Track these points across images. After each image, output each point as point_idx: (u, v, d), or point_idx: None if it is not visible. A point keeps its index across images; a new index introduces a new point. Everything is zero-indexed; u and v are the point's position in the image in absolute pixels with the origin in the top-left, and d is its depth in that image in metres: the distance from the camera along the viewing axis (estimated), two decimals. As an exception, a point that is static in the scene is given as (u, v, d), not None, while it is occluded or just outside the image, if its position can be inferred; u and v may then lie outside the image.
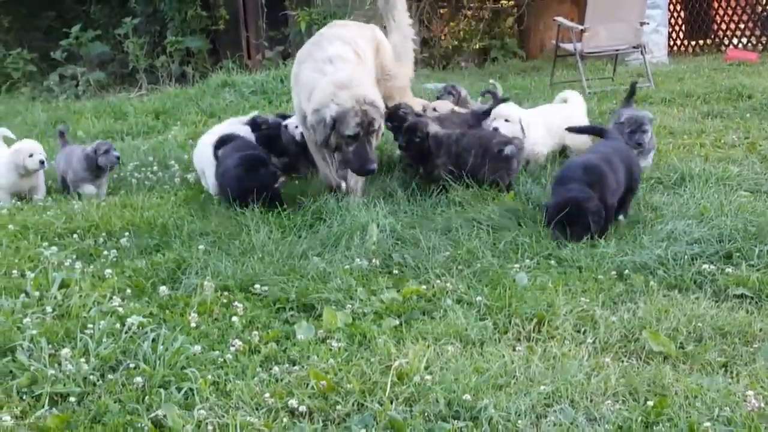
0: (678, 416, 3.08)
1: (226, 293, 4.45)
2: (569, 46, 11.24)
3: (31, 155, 6.78)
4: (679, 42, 15.98)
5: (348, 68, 5.92)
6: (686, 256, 4.63)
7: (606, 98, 9.96)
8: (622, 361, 3.59)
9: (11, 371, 3.59)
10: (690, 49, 15.70)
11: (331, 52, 6.02)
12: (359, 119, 5.63)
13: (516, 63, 15.01)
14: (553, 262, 4.75)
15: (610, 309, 4.13)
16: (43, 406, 3.33)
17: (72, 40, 14.30)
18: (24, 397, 3.42)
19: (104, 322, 3.98)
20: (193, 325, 4.05)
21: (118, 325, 3.97)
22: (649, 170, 6.37)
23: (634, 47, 11.24)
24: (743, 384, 3.36)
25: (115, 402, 3.33)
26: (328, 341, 3.91)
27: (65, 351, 3.66)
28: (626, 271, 4.55)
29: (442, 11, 15.64)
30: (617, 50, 11.33)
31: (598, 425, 3.07)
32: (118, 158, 6.93)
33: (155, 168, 7.71)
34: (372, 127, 5.71)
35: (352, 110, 5.62)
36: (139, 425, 3.15)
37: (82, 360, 3.62)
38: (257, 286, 4.51)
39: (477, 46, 15.50)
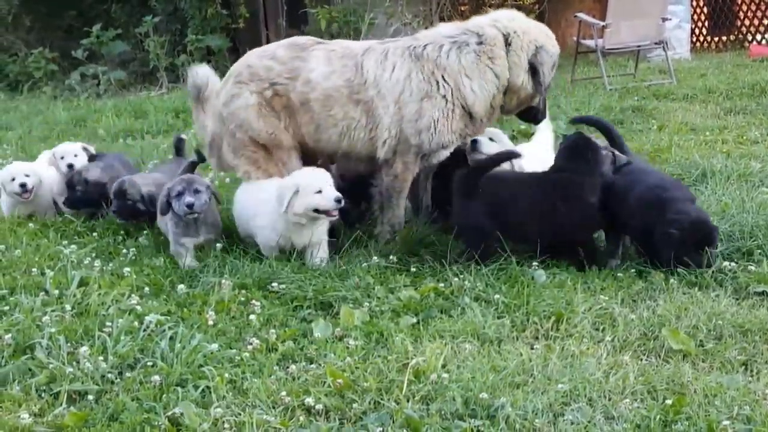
0: (697, 415, 3.04)
1: (243, 291, 4.44)
2: (590, 43, 11.19)
3: (62, 157, 6.25)
4: (701, 38, 15.82)
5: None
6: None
7: (628, 94, 9.88)
8: (641, 360, 3.56)
9: (30, 369, 3.62)
10: (713, 45, 15.55)
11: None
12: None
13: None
14: (571, 259, 4.71)
15: (629, 307, 4.09)
16: (61, 404, 3.35)
17: (93, 39, 14.40)
18: (42, 395, 3.44)
19: (122, 320, 4.00)
20: (210, 323, 4.06)
21: (136, 323, 3.99)
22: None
23: (656, 43, 11.17)
24: (763, 382, 3.32)
25: (132, 400, 3.33)
26: (345, 339, 3.90)
27: (83, 349, 3.68)
28: (646, 269, 4.51)
29: (462, 7, 15.58)
30: (639, 46, 11.26)
31: (616, 424, 3.04)
32: (190, 206, 4.96)
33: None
34: None
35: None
36: (156, 423, 3.15)
37: (101, 358, 3.63)
38: (275, 284, 4.50)
39: (497, 43, 15.42)
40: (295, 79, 5.19)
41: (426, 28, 14.55)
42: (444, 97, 5.05)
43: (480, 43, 5.08)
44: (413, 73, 5.08)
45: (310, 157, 5.37)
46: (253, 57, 5.39)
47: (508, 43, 5.07)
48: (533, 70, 5.07)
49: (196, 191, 4.98)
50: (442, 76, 5.06)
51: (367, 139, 5.16)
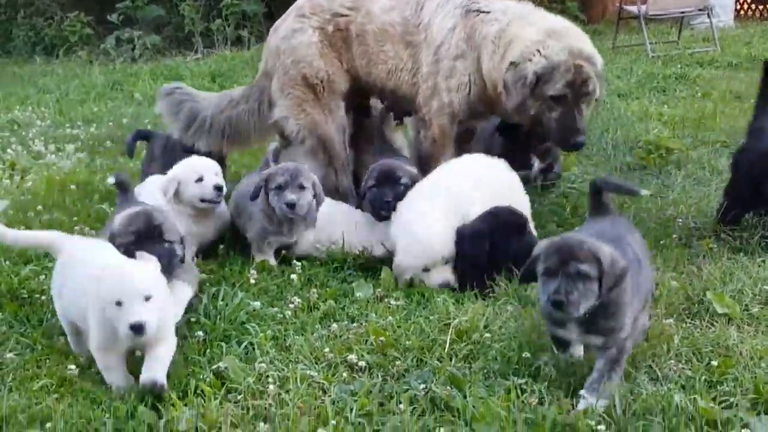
0: (743, 376, 3.02)
1: (283, 252, 4.46)
2: (633, 9, 10.99)
3: (199, 179, 4.50)
4: (746, 6, 15.49)
5: (559, 18, 4.81)
6: (752, 220, 4.51)
7: (671, 62, 9.74)
8: (685, 323, 3.53)
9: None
10: (757, 14, 15.23)
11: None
12: (570, 77, 4.45)
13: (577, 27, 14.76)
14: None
15: (673, 271, 4.05)
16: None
17: (128, 3, 14.41)
18: (88, 348, 3.48)
19: (165, 277, 4.02)
20: (252, 282, 4.10)
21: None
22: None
23: (700, 10, 10.95)
24: (812, 347, 3.28)
25: (178, 354, 3.35)
26: (386, 300, 3.91)
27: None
28: (690, 235, 4.46)
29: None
30: (683, 13, 11.04)
31: (661, 384, 3.02)
32: (291, 206, 4.30)
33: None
34: (585, 89, 4.50)
35: (562, 65, 4.45)
36: (202, 376, 3.19)
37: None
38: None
39: (535, 10, 15.21)
40: (357, 10, 5.08)
41: None
42: (473, 62, 4.78)
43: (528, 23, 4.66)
44: (457, 29, 4.84)
45: (362, 92, 5.28)
46: None
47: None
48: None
49: (301, 187, 4.35)
50: (477, 42, 4.76)
51: (411, 83, 5.01)
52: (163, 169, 4.91)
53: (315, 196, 4.39)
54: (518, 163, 4.96)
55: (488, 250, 4.01)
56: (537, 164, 5.49)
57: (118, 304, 3.02)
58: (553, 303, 2.91)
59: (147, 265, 3.23)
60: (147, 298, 3.06)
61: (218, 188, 4.45)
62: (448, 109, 4.87)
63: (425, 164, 5.00)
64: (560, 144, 4.73)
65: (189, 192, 4.46)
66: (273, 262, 4.44)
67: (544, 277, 2.96)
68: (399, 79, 5.01)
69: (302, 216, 4.36)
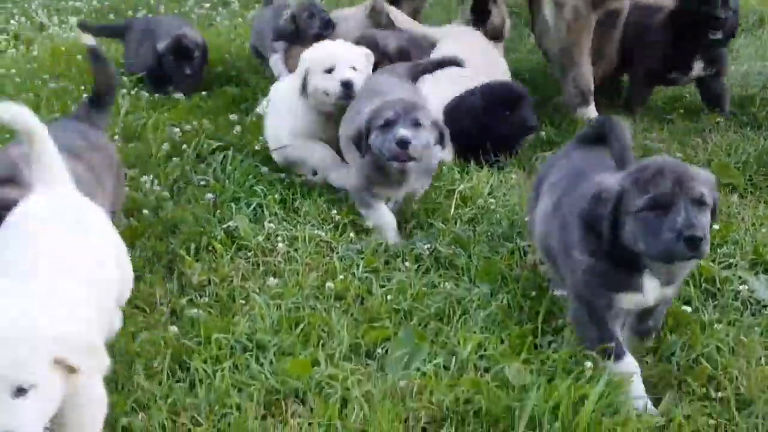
0: (744, 239, 3.08)
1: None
2: None
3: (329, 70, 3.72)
4: None
5: None
6: (760, 97, 4.50)
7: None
8: (688, 191, 3.56)
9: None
10: None
11: None
12: None
13: None
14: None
15: (678, 144, 4.06)
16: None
17: None
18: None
19: (168, 143, 4.07)
20: (257, 148, 4.09)
21: (185, 146, 4.04)
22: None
23: None
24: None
25: (189, 214, 3.41)
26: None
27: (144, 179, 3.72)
28: (697, 110, 4.46)
29: None
30: None
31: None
32: (403, 143, 3.16)
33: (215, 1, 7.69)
34: None
35: None
36: (213, 234, 3.25)
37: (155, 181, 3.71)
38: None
39: None
40: None
41: None
42: None
43: None
44: None
45: None
46: None
47: None
48: None
49: (416, 124, 3.27)
50: None
51: None
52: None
53: (440, 137, 3.36)
54: (677, 62, 4.52)
55: (486, 125, 4.00)
56: (698, 68, 4.54)
57: None
58: (689, 241, 2.13)
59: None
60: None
61: (346, 84, 3.62)
62: None
63: (567, 57, 4.57)
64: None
65: (312, 83, 3.69)
66: (389, 218, 3.40)
67: (652, 212, 2.21)
68: None
69: (416, 159, 3.25)
